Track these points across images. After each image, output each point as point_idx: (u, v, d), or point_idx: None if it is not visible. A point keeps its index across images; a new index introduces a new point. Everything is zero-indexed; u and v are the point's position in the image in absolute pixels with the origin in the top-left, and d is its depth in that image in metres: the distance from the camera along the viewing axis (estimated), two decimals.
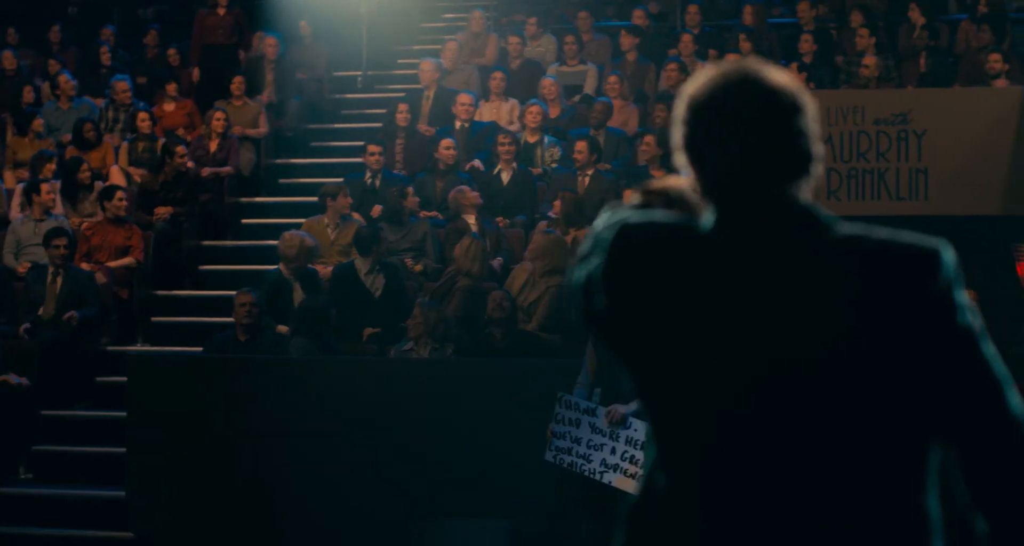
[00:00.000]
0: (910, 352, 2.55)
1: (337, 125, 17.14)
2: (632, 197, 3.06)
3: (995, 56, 14.77)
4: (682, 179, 2.99)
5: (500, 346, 10.84)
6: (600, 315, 2.75)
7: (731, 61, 2.80)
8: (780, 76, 2.73)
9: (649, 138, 13.78)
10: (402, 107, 15.19)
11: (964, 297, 2.59)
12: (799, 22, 16.83)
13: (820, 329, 2.56)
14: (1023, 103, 12.71)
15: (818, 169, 2.72)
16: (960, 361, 2.56)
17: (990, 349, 2.58)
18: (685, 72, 15.28)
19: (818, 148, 2.72)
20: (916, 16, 16.08)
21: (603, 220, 2.92)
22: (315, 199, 13.77)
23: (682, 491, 2.64)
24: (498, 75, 15.69)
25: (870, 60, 14.85)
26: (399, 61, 18.68)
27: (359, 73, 18.25)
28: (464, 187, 13.06)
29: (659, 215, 2.78)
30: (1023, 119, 12.75)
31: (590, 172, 13.47)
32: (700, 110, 2.74)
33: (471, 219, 12.81)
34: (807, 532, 2.55)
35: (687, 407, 2.64)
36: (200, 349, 11.88)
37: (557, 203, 12.79)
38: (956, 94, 14.25)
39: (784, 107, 2.69)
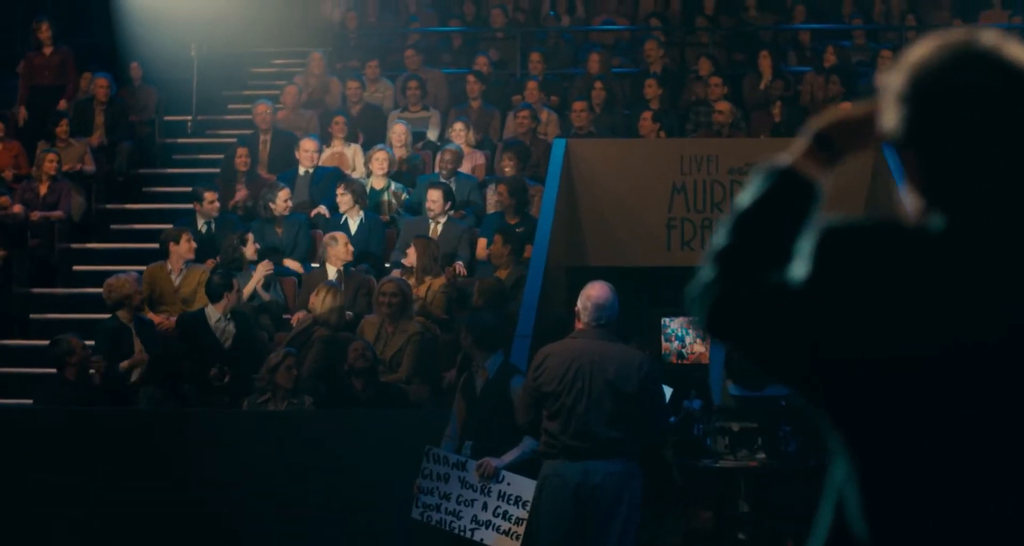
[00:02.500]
0: None
1: (169, 170, 16.60)
2: (799, 141, 2.52)
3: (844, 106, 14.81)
4: (854, 107, 2.47)
5: (361, 398, 10.39)
6: (787, 338, 2.29)
7: (962, 31, 2.34)
8: None
9: (501, 187, 13.42)
10: (241, 151, 14.71)
11: None
12: (644, 70, 16.74)
13: None
14: (877, 153, 12.73)
15: None
16: None
17: None
18: (536, 119, 15.04)
19: None
20: (766, 66, 16.09)
21: (751, 188, 2.47)
22: (148, 245, 13.21)
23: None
24: (340, 119, 15.27)
25: (724, 106, 14.76)
26: (229, 106, 18.29)
27: (189, 118, 17.79)
28: (337, 234, 12.53)
29: (866, 218, 2.28)
30: (876, 168, 12.83)
31: (442, 219, 13.12)
32: (930, 89, 2.29)
33: (334, 267, 12.32)
34: None
35: (922, 447, 2.20)
36: (29, 401, 11.30)
37: (411, 250, 12.36)
38: None
39: None
